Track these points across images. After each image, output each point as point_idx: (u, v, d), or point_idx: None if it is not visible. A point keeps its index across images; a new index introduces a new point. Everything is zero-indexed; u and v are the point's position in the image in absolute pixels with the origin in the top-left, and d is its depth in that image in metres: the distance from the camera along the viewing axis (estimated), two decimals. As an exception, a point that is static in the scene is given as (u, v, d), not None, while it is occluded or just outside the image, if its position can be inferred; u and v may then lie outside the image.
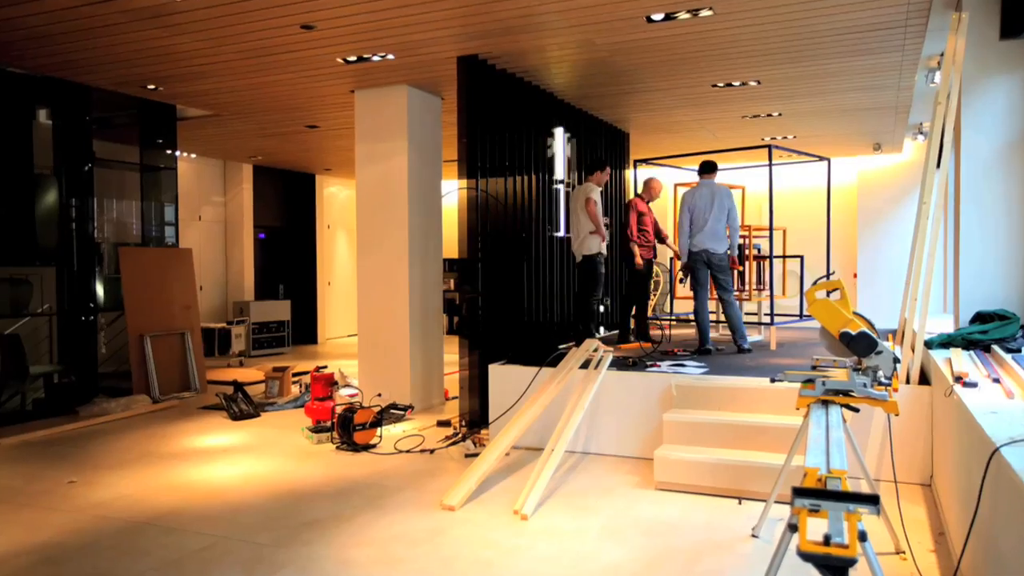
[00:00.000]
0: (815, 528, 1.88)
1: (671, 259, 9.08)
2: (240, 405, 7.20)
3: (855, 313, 3.79)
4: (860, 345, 3.55)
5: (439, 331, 7.73)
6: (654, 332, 8.14)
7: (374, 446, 5.90)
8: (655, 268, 12.46)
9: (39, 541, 4.00)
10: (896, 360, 3.62)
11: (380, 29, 5.73)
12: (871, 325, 3.77)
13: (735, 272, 7.50)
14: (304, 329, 13.42)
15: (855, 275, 12.32)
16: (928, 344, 4.88)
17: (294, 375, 8.36)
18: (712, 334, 7.77)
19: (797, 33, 5.91)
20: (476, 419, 6.35)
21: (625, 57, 6.55)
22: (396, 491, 4.79)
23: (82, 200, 7.69)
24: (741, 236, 7.97)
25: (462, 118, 6.48)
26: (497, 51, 6.38)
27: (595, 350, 5.92)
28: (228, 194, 12.60)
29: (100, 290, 8.04)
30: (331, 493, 4.77)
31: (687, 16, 5.48)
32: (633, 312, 7.78)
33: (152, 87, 7.47)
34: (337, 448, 5.90)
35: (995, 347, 4.40)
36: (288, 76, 7.04)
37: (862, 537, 1.89)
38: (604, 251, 7.11)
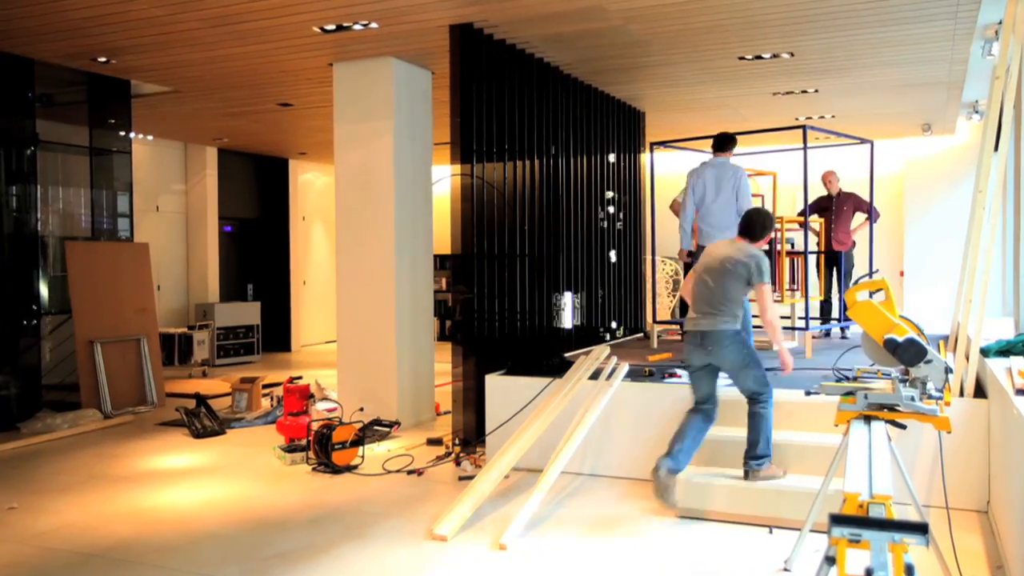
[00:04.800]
0: (856, 560, 1.88)
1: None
2: (203, 421, 7.19)
3: (902, 317, 3.79)
4: (908, 353, 3.54)
5: (429, 337, 7.73)
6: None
7: (356, 467, 5.90)
8: (674, 265, 12.46)
9: (-26, 575, 4.00)
10: (948, 370, 3.61)
11: (362, -6, 5.73)
12: (920, 330, 3.77)
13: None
14: (276, 335, 13.42)
15: (901, 274, 12.32)
16: (984, 352, 4.88)
17: (264, 387, 8.36)
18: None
19: (836, -2, 5.91)
20: (471, 437, 6.34)
21: (641, 25, 6.54)
22: (380, 518, 4.78)
23: (23, 187, 7.68)
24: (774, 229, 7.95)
25: (455, 95, 6.47)
26: (495, 18, 6.38)
27: (608, 358, 5.92)
28: (190, 181, 12.60)
29: (44, 290, 8.04)
30: (305, 521, 4.77)
31: (711, -21, 5.48)
32: None
33: (103, 60, 7.47)
34: (313, 470, 5.90)
35: (1061, 355, 4.40)
36: (257, 47, 7.03)
37: (909, 571, 1.89)
38: None
